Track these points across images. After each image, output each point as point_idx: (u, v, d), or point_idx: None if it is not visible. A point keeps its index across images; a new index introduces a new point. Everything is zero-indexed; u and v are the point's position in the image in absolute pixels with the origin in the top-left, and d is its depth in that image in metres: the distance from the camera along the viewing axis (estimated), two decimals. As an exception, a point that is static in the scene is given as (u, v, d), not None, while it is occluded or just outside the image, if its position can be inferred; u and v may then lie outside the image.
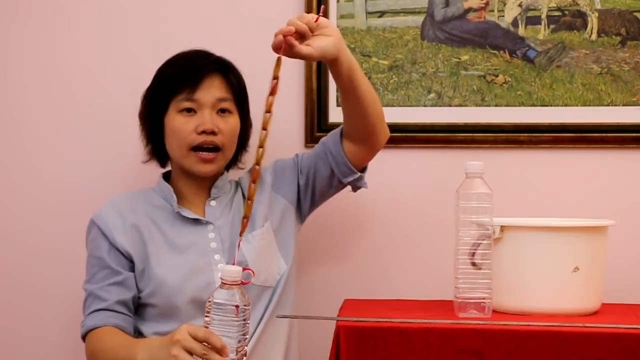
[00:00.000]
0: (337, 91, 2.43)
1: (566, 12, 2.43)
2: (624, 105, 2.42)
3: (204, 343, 1.78)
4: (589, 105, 2.42)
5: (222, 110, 2.19)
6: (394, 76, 2.46)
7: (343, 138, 2.18)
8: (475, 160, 2.04)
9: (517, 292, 2.04)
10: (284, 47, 1.89)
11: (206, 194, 2.23)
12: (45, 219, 2.52)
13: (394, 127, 2.26)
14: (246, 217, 1.86)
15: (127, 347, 2.01)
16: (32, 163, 2.53)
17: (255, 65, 2.20)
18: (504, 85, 2.44)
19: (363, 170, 2.23)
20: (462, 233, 2.01)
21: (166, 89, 2.19)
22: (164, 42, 2.38)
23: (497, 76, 2.44)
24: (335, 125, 2.23)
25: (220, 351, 1.76)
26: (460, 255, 2.01)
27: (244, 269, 1.78)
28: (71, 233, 2.44)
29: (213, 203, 2.22)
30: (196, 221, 2.19)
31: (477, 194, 2.01)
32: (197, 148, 2.17)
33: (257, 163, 1.86)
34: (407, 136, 2.44)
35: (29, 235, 2.52)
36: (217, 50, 2.23)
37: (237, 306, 1.75)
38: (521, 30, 2.44)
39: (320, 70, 2.44)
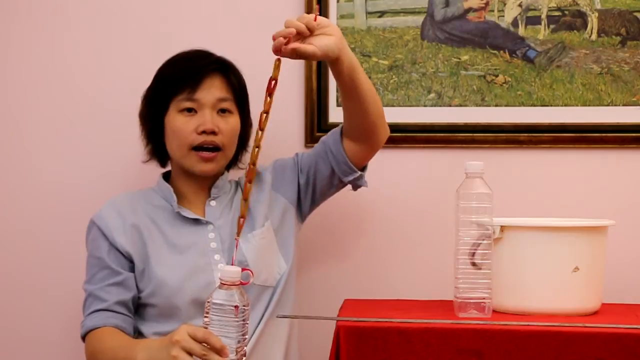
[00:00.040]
0: (337, 91, 2.43)
1: (566, 12, 2.43)
2: (624, 105, 2.42)
3: (204, 343, 1.78)
4: (589, 105, 2.42)
5: (223, 110, 2.19)
6: (394, 76, 2.46)
7: (343, 137, 2.18)
8: (475, 160, 2.04)
9: (517, 292, 2.04)
10: (285, 50, 1.89)
11: (206, 193, 2.23)
12: (45, 219, 2.52)
13: (394, 127, 2.26)
14: (242, 217, 1.86)
15: (127, 347, 2.01)
16: (32, 163, 2.53)
17: (255, 65, 2.20)
18: (504, 85, 2.44)
19: (363, 169, 2.23)
20: (462, 233, 2.01)
21: (167, 89, 2.19)
22: (164, 42, 2.38)
23: (497, 76, 2.44)
24: (335, 125, 2.23)
25: (219, 351, 1.77)
26: (460, 255, 2.01)
27: (243, 270, 1.79)
28: (71, 233, 2.44)
29: (213, 203, 2.22)
30: (196, 221, 2.19)
31: (477, 194, 2.01)
32: (197, 148, 2.17)
33: (253, 163, 1.86)
34: (407, 136, 2.44)
35: (29, 235, 2.52)
36: (217, 50, 2.23)
37: (236, 306, 1.76)
38: (521, 30, 2.44)
39: (320, 70, 2.44)
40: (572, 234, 2.03)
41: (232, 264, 1.87)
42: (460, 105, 2.45)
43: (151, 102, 2.22)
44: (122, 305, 2.13)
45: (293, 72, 2.44)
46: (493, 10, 2.44)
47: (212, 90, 2.17)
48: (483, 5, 2.44)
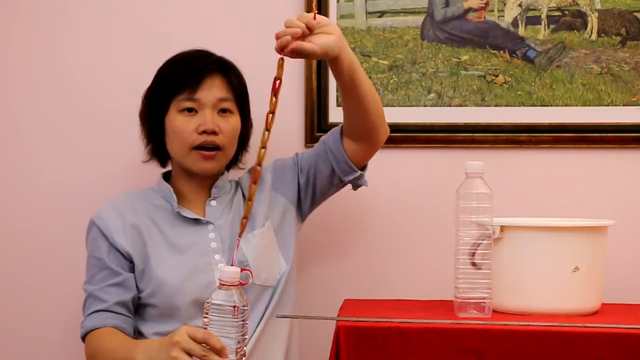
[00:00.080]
0: (337, 91, 2.43)
1: (566, 12, 2.43)
2: (624, 105, 2.42)
3: (204, 344, 1.78)
4: (589, 105, 2.42)
5: (223, 110, 2.19)
6: (394, 76, 2.46)
7: (343, 136, 2.18)
8: (475, 160, 2.04)
9: (517, 292, 2.04)
10: (290, 48, 1.89)
11: (206, 193, 2.23)
12: (45, 219, 2.52)
13: (394, 127, 2.26)
14: (245, 218, 1.86)
15: (127, 348, 2.01)
16: (32, 163, 2.53)
17: (255, 65, 2.21)
18: (504, 85, 2.44)
19: (363, 168, 2.23)
20: (462, 233, 2.01)
21: (167, 89, 2.19)
22: (164, 42, 2.38)
23: (497, 76, 2.44)
24: (335, 125, 2.23)
25: (219, 352, 1.77)
26: (460, 255, 2.01)
27: (242, 270, 1.79)
28: (71, 233, 2.44)
29: (213, 203, 2.22)
30: (196, 221, 2.19)
31: (477, 194, 2.01)
32: (198, 148, 2.16)
33: (259, 164, 1.86)
34: (407, 136, 2.44)
35: (29, 235, 2.52)
36: (217, 50, 2.23)
37: (235, 307, 1.76)
38: (521, 30, 2.44)
39: (320, 70, 2.44)
40: (572, 234, 2.03)
41: (232, 264, 1.87)
42: (460, 105, 2.45)
43: (151, 102, 2.22)
44: (122, 305, 2.13)
45: (293, 72, 2.44)
46: (493, 10, 2.44)
47: (213, 90, 2.17)
48: (483, 5, 2.44)
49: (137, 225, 2.17)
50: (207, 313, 1.77)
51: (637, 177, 2.43)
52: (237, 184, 2.28)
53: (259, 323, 2.15)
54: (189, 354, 1.79)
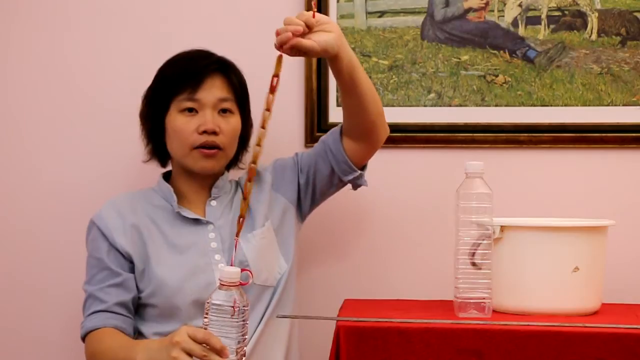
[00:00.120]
0: (337, 91, 2.43)
1: (566, 12, 2.43)
2: (624, 105, 2.42)
3: (204, 344, 1.78)
4: (589, 105, 2.42)
5: (224, 111, 2.19)
6: (394, 76, 2.46)
7: (343, 136, 2.18)
8: (475, 160, 2.04)
9: (517, 292, 2.04)
10: (289, 45, 1.88)
11: (207, 193, 2.23)
12: (45, 219, 2.52)
13: (394, 127, 2.26)
14: (242, 217, 1.86)
15: (127, 348, 2.01)
16: (32, 163, 2.53)
17: (255, 65, 2.20)
18: (504, 85, 2.44)
19: (363, 168, 2.23)
20: (462, 233, 2.01)
21: (167, 89, 2.19)
22: (164, 42, 2.38)
23: (497, 76, 2.44)
24: (335, 125, 2.23)
25: (220, 352, 1.77)
26: (460, 255, 2.01)
27: (242, 270, 1.78)
28: (71, 233, 2.44)
29: (213, 203, 2.22)
30: (196, 221, 2.19)
31: (477, 194, 2.01)
32: (198, 148, 2.16)
33: (254, 161, 1.86)
34: (407, 136, 2.44)
35: (29, 235, 2.52)
36: (217, 50, 2.23)
37: (235, 307, 1.76)
38: (521, 30, 2.44)
39: (320, 70, 2.44)
40: (572, 234, 2.03)
41: (231, 264, 1.86)
42: (460, 105, 2.45)
43: (152, 102, 2.22)
44: (122, 306, 2.13)
45: (293, 72, 2.44)
46: (493, 10, 2.44)
47: (213, 90, 2.17)
48: (483, 5, 2.44)
49: (137, 225, 2.17)
50: (207, 313, 1.77)
51: (637, 177, 2.43)
52: (237, 184, 2.28)
53: (259, 323, 2.15)
54: (189, 354, 1.79)
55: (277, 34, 1.90)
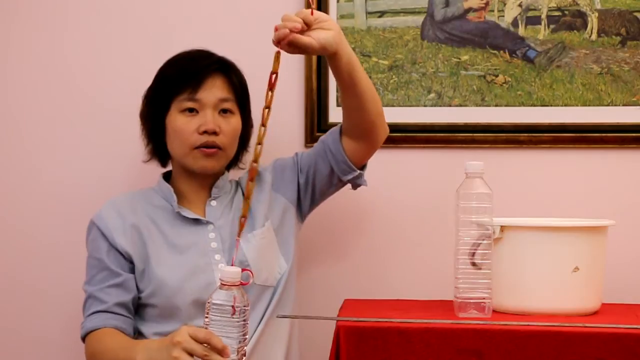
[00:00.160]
0: (337, 91, 2.43)
1: (566, 12, 2.43)
2: (624, 105, 2.42)
3: (205, 344, 1.78)
4: (589, 105, 2.42)
5: (224, 111, 2.19)
6: (394, 76, 2.46)
7: (342, 136, 2.18)
8: (475, 160, 2.04)
9: (517, 292, 2.04)
10: (286, 41, 1.88)
11: (207, 193, 2.23)
12: (45, 219, 2.52)
13: (394, 127, 2.26)
14: (244, 217, 1.85)
15: (127, 348, 2.01)
16: (32, 163, 2.53)
17: (256, 65, 2.20)
18: (504, 85, 2.44)
19: (363, 168, 2.22)
20: (462, 233, 2.01)
21: (168, 89, 2.19)
22: (164, 42, 2.38)
23: (497, 76, 2.44)
24: (335, 125, 2.23)
25: (221, 352, 1.76)
26: (460, 255, 2.01)
27: (243, 270, 1.78)
28: (71, 233, 2.44)
29: (214, 203, 2.22)
30: (196, 221, 2.19)
31: (477, 194, 2.01)
32: (199, 148, 2.16)
33: (255, 160, 1.85)
34: (407, 136, 2.44)
35: (29, 235, 2.52)
36: (218, 50, 2.23)
37: (236, 307, 1.75)
38: (521, 30, 2.44)
39: (320, 70, 2.44)
40: (572, 234, 2.03)
41: (232, 264, 1.86)
42: (460, 105, 2.45)
43: (152, 102, 2.22)
44: (122, 306, 2.13)
45: (293, 72, 2.44)
46: (493, 10, 2.44)
47: (214, 91, 2.17)
48: (483, 5, 2.44)
49: (137, 226, 2.17)
50: (208, 313, 1.77)
51: (637, 177, 2.43)
52: (237, 184, 2.28)
53: (259, 323, 2.15)
54: (191, 354, 1.79)
55: (276, 29, 1.90)
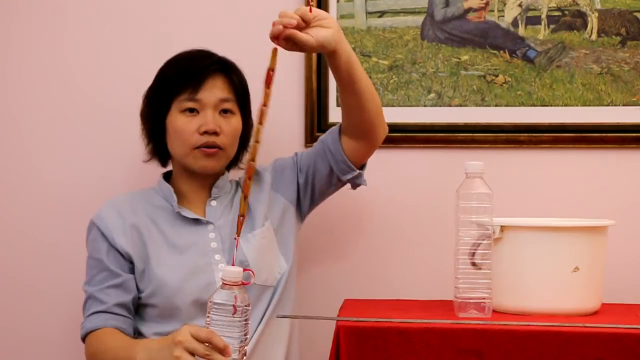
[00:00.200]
0: (337, 91, 2.43)
1: (566, 12, 2.43)
2: (624, 105, 2.42)
3: (206, 343, 1.78)
4: (589, 105, 2.42)
5: (225, 111, 2.19)
6: (394, 76, 2.46)
7: (342, 135, 2.18)
8: (475, 160, 2.04)
9: (517, 292, 2.04)
10: (282, 36, 1.88)
11: (207, 193, 2.23)
12: (45, 219, 2.52)
13: (394, 127, 2.26)
14: (242, 216, 1.85)
15: (127, 348, 2.01)
16: (32, 163, 2.53)
17: (256, 65, 2.19)
18: (504, 85, 2.44)
19: (362, 167, 2.22)
20: (462, 233, 2.01)
21: (168, 89, 2.19)
22: (164, 42, 2.38)
23: (497, 76, 2.44)
24: (334, 125, 2.23)
25: (222, 351, 1.76)
26: (460, 255, 2.01)
27: (244, 270, 1.79)
28: (71, 233, 2.44)
29: (214, 203, 2.22)
30: (196, 221, 2.19)
31: (477, 194, 2.01)
32: (199, 148, 2.16)
33: (252, 159, 1.84)
34: (407, 136, 2.44)
35: (29, 235, 2.52)
36: (218, 50, 2.23)
37: (237, 306, 1.76)
38: (521, 30, 2.44)
39: (320, 70, 2.44)
40: (572, 234, 2.03)
41: (232, 264, 1.86)
42: (460, 105, 2.45)
43: (153, 102, 2.22)
44: (122, 307, 2.13)
45: (293, 72, 2.44)
46: (493, 10, 2.44)
47: (214, 91, 2.17)
48: (483, 5, 2.44)
49: (137, 226, 2.17)
50: (209, 313, 1.77)
51: (637, 177, 2.43)
52: (238, 184, 2.28)
53: (259, 323, 2.15)
54: (192, 354, 1.79)
55: (273, 25, 1.89)
